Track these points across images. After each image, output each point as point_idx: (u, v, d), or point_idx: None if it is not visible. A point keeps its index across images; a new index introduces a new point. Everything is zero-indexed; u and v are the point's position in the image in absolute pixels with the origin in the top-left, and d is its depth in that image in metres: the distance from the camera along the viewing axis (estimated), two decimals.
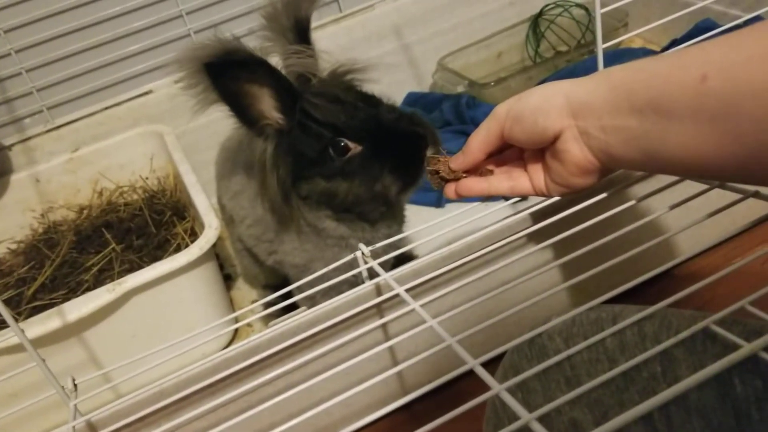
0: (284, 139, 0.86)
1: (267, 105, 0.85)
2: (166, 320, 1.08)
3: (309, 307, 0.79)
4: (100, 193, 1.45)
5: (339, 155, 0.84)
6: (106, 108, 1.49)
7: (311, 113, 0.84)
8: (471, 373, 0.52)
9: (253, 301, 1.30)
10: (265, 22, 0.92)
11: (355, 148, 0.84)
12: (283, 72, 0.86)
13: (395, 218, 0.98)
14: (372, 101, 0.87)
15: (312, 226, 0.93)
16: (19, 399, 1.01)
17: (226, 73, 0.80)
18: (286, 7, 0.90)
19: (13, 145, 1.44)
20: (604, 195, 0.76)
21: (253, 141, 0.88)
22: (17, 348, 0.94)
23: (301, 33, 0.91)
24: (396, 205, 0.95)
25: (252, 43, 0.86)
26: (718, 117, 0.49)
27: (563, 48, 1.69)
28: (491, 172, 0.75)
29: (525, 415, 0.44)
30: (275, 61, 0.89)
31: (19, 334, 0.67)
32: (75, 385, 0.74)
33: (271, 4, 0.91)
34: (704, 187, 0.71)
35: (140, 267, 1.09)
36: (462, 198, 0.77)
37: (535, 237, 0.84)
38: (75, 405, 0.71)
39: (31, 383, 0.95)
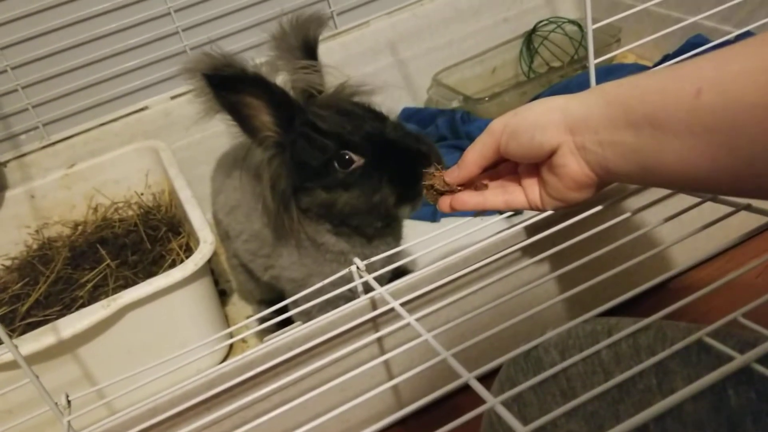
0: (284, 150, 0.87)
1: (265, 118, 0.86)
2: (161, 336, 1.08)
3: (304, 323, 0.79)
4: (95, 209, 1.45)
5: (343, 168, 0.85)
6: (102, 124, 1.49)
7: (317, 124, 0.84)
8: (467, 387, 0.52)
9: (248, 317, 1.29)
10: (273, 41, 0.93)
11: (358, 161, 0.84)
12: (289, 86, 0.87)
13: (393, 235, 0.98)
14: (378, 116, 0.88)
15: (312, 240, 0.93)
16: (14, 415, 1.00)
17: (225, 85, 0.81)
18: (294, 29, 0.91)
19: (8, 161, 1.44)
20: (598, 208, 0.76)
21: (253, 151, 0.89)
22: (11, 365, 0.93)
23: (308, 51, 0.92)
24: (393, 217, 0.95)
25: (261, 57, 0.87)
26: (713, 131, 0.50)
27: (557, 63, 1.70)
28: (486, 186, 0.76)
29: (520, 429, 0.44)
30: (282, 77, 0.90)
31: (13, 351, 0.67)
32: (69, 402, 0.74)
33: (279, 24, 0.92)
34: (697, 200, 0.71)
35: (135, 283, 1.09)
36: (456, 212, 0.78)
37: (530, 250, 0.84)
38: (68, 421, 0.71)
39: (26, 400, 0.94)
